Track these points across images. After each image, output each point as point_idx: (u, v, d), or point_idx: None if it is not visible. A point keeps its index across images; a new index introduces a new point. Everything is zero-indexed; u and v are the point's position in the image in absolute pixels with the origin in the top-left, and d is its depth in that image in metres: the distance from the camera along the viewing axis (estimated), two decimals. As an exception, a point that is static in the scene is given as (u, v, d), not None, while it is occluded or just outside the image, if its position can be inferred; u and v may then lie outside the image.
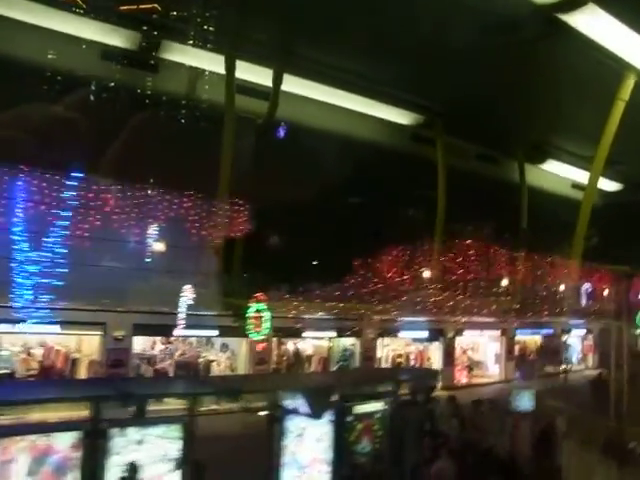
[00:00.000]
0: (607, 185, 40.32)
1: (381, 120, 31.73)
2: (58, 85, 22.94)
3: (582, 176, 36.65)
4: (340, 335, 25.64)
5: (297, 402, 9.32)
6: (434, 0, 22.55)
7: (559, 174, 40.16)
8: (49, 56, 22.91)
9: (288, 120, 27.74)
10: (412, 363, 28.32)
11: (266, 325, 21.31)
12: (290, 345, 25.62)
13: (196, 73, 25.66)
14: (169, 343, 22.61)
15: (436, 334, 28.58)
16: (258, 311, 21.36)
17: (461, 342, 31.10)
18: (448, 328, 29.16)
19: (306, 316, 24.08)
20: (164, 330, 21.06)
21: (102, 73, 24.35)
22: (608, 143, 29.65)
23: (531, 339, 35.78)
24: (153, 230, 20.78)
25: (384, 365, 27.96)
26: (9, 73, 21.45)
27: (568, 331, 35.22)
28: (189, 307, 20.01)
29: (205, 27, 24.61)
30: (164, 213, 21.14)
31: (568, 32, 24.90)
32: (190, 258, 21.90)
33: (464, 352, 31.45)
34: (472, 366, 31.95)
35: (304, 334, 24.92)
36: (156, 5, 23.52)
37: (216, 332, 23.15)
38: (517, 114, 32.21)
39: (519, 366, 31.45)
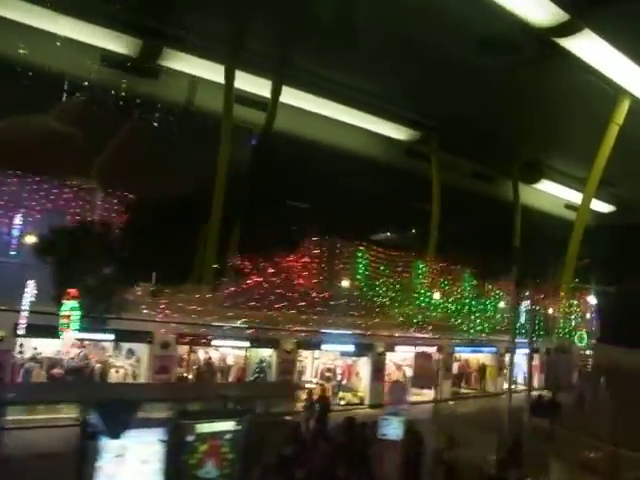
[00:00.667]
0: (599, 206, 40.46)
1: (374, 134, 31.51)
2: (58, 88, 23.65)
3: (575, 197, 36.79)
4: (254, 345, 23.85)
5: (95, 416, 8.07)
6: (433, 19, 22.88)
7: (553, 194, 40.29)
8: (50, 59, 23.21)
9: (286, 131, 28.41)
10: (339, 378, 27.18)
11: (75, 325, 17.53)
12: (207, 354, 23.91)
13: (195, 81, 26.42)
14: (83, 347, 20.83)
15: (364, 348, 27.14)
16: (70, 309, 17.65)
17: (396, 358, 29.64)
18: (377, 342, 27.69)
19: (217, 323, 22.09)
20: (49, 332, 18.07)
21: (102, 78, 24.57)
22: (601, 165, 29.91)
23: (474, 357, 34.19)
24: (25, 220, 18.99)
25: (311, 379, 26.69)
26: (9, 74, 21.66)
27: (512, 350, 33.50)
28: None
29: (205, 36, 24.90)
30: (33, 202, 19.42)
31: (565, 56, 25.22)
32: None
33: (399, 368, 29.78)
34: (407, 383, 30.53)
35: (214, 342, 22.94)
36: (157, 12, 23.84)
37: (112, 336, 20.63)
38: (512, 133, 32.25)
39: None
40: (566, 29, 23.51)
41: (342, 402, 25.85)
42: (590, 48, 24.44)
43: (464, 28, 23.05)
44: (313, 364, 27.91)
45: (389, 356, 28.85)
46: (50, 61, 23.59)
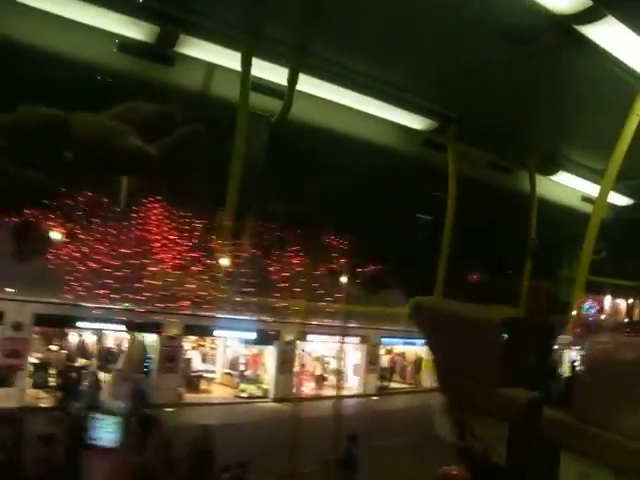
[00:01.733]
0: (617, 199, 40.09)
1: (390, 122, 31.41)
2: (74, 74, 23.65)
3: (593, 189, 36.58)
4: (132, 329, 22.46)
5: None
6: (453, 7, 22.60)
7: (570, 186, 40.06)
8: (66, 45, 23.20)
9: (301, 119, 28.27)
10: (242, 368, 25.66)
11: None
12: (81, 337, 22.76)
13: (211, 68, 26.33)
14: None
15: (269, 336, 25.34)
16: None
17: (314, 348, 28.70)
18: (285, 330, 26.00)
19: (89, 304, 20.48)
20: None
21: (118, 65, 24.57)
22: (621, 157, 29.26)
23: (411, 350, 32.83)
24: None
25: (215, 369, 25.66)
26: (26, 60, 21.71)
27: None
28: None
29: (222, 22, 24.79)
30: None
31: (585, 44, 24.77)
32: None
33: (317, 359, 28.98)
34: (327, 376, 28.95)
35: (80, 324, 21.73)
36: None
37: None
38: (530, 124, 32.23)
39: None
40: (588, 16, 23.04)
41: (243, 394, 24.52)
42: (612, 36, 23.91)
43: (484, 17, 22.72)
44: (224, 353, 26.83)
45: (304, 347, 27.58)
46: (66, 47, 23.72)
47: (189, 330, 23.63)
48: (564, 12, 24.14)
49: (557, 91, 27.66)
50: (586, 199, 39.62)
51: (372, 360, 29.51)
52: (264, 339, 25.00)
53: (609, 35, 24.54)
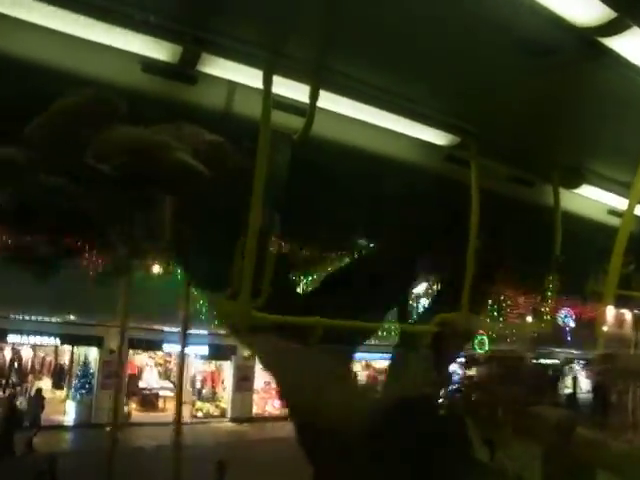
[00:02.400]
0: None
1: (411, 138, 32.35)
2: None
3: (619, 202, 36.49)
4: (66, 343, 20.62)
5: None
6: (473, 21, 22.41)
7: (595, 199, 40.18)
8: (90, 67, 23.50)
9: (322, 136, 28.19)
10: (198, 385, 24.29)
11: None
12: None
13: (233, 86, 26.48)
14: None
15: (226, 350, 24.42)
16: None
17: None
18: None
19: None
20: None
21: (142, 85, 24.80)
22: (646, 169, 30.07)
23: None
24: None
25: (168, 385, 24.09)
26: (51, 82, 21.99)
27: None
28: None
29: (244, 41, 24.99)
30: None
31: (609, 55, 24.37)
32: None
33: None
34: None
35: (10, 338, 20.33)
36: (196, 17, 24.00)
37: None
38: (553, 136, 31.68)
39: None
40: (612, 28, 22.64)
41: (199, 414, 23.36)
42: (637, 47, 23.62)
43: (504, 30, 22.47)
44: (191, 368, 25.20)
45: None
46: (92, 69, 24.01)
47: (134, 344, 22.04)
48: (587, 24, 23.81)
49: (580, 103, 27.18)
50: (612, 212, 38.88)
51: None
52: (219, 354, 22.70)
53: (634, 46, 24.17)
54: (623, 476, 9.09)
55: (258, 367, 26.15)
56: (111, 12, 19.51)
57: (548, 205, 36.84)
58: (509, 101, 28.91)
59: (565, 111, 29.49)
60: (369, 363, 30.05)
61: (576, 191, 38.73)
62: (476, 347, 27.38)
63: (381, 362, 30.28)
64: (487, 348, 27.91)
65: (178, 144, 7.43)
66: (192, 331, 23.46)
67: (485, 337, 27.95)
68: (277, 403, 27.62)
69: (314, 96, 26.98)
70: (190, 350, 23.56)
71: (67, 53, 20.64)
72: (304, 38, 24.31)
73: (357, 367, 28.24)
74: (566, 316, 35.11)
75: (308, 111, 26.77)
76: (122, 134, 7.15)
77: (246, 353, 24.74)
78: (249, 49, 24.40)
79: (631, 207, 28.99)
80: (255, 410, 22.00)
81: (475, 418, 14.04)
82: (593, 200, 39.78)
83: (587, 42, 22.99)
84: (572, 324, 33.93)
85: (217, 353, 22.56)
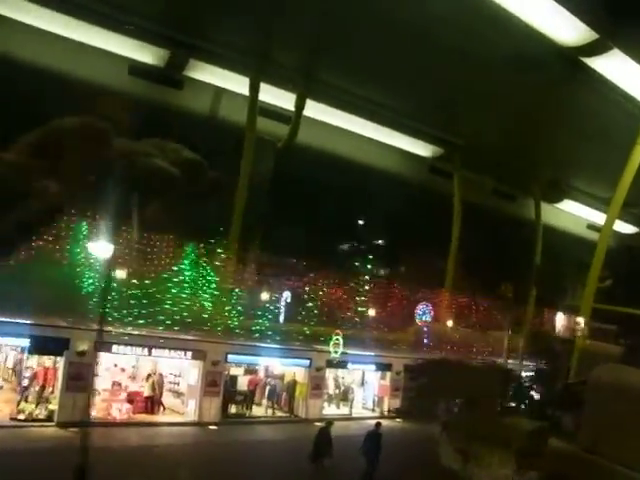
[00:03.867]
0: (623, 228, 40.16)
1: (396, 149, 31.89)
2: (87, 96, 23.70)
3: (598, 217, 36.56)
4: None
5: None
6: (461, 37, 22.92)
7: (575, 214, 40.04)
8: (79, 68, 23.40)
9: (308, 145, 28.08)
10: (26, 384, 19.81)
11: None
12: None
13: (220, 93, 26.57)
14: None
15: (59, 344, 19.44)
16: None
17: (145, 364, 22.29)
18: (78, 337, 19.84)
19: None
20: None
21: (129, 88, 24.78)
22: (626, 186, 29.45)
23: (289, 372, 25.66)
24: None
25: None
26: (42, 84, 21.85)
27: (341, 364, 26.12)
28: None
29: (231, 48, 25.11)
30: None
31: (591, 75, 24.95)
32: None
33: (149, 377, 22.61)
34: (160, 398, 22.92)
35: None
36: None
37: None
38: (536, 152, 31.83)
39: None
40: (594, 48, 23.29)
41: (20, 416, 19.18)
42: (617, 68, 24.18)
43: (491, 46, 22.96)
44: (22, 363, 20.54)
45: (110, 358, 21.47)
46: (79, 69, 23.94)
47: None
48: (570, 44, 24.38)
49: (563, 120, 27.78)
50: (592, 227, 39.53)
51: (213, 381, 23.14)
52: (45, 348, 19.37)
53: (614, 67, 24.75)
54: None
55: (103, 367, 21.22)
56: (98, 14, 19.23)
57: (529, 218, 36.37)
58: (494, 116, 29.01)
59: (548, 127, 29.70)
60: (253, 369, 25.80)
61: (557, 205, 38.56)
62: (331, 348, 24.00)
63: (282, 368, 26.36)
64: (341, 350, 24.11)
65: (160, 154, 7.66)
66: (12, 320, 19.05)
67: (340, 337, 24.09)
68: (126, 407, 21.57)
69: (300, 105, 26.91)
70: (7, 342, 20.28)
71: (54, 53, 20.20)
72: (292, 48, 24.42)
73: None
74: (424, 312, 31.08)
75: (293, 119, 26.64)
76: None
77: (81, 348, 19.90)
78: (237, 56, 24.34)
79: (609, 222, 29.23)
80: (96, 414, 18.49)
81: (448, 428, 14.06)
82: (573, 214, 39.58)
83: (571, 61, 23.29)
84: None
85: (43, 347, 19.36)
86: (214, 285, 23.76)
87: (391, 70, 24.73)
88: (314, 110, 26.86)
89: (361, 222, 35.07)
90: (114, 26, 22.37)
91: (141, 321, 21.54)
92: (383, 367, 26.10)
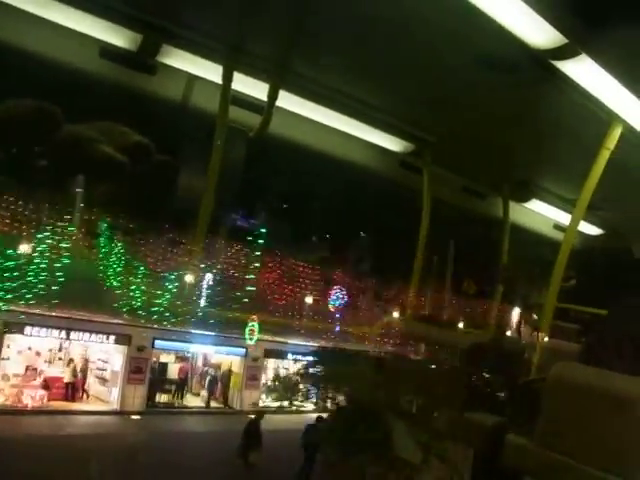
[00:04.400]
0: (589, 229, 40.90)
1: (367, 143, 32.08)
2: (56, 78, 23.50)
3: (565, 218, 37.13)
4: None
5: None
6: (433, 34, 23.09)
7: (542, 214, 40.72)
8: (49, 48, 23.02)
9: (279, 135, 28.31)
10: None
11: None
12: None
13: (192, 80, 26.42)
14: None
15: None
16: None
17: (44, 345, 21.00)
18: None
19: None
20: None
21: (100, 70, 24.50)
22: (591, 189, 29.77)
23: (226, 360, 25.32)
24: None
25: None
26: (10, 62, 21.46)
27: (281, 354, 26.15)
28: None
29: (206, 35, 24.95)
30: None
31: (560, 78, 25.42)
32: None
33: (70, 362, 21.70)
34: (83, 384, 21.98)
35: None
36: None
37: None
38: (506, 151, 32.74)
39: None
40: (563, 52, 23.74)
41: None
42: (586, 73, 24.67)
43: (463, 45, 23.26)
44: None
45: (24, 341, 20.45)
46: (48, 50, 23.56)
47: None
48: (541, 47, 24.80)
49: (532, 121, 28.26)
50: (558, 227, 40.39)
51: (138, 368, 22.44)
52: None
53: (583, 72, 25.25)
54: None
55: (14, 349, 20.11)
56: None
57: (497, 216, 37.03)
58: (466, 114, 29.40)
59: (518, 127, 30.23)
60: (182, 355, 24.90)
61: (525, 205, 39.28)
62: (247, 336, 23.16)
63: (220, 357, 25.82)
64: (257, 337, 23.46)
65: (105, 139, 7.95)
66: None
67: (256, 324, 23.18)
68: (40, 394, 20.38)
69: (273, 95, 26.87)
70: None
71: (23, 30, 19.79)
72: (267, 37, 24.33)
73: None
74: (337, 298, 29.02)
75: (266, 109, 26.64)
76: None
77: None
78: (211, 43, 24.23)
79: (574, 223, 29.93)
80: (3, 401, 17.43)
81: (410, 420, 14.18)
82: (541, 214, 40.32)
83: (542, 64, 23.72)
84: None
85: None
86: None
87: (365, 64, 24.87)
88: (287, 101, 26.61)
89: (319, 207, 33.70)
90: (86, 6, 22.21)
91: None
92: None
